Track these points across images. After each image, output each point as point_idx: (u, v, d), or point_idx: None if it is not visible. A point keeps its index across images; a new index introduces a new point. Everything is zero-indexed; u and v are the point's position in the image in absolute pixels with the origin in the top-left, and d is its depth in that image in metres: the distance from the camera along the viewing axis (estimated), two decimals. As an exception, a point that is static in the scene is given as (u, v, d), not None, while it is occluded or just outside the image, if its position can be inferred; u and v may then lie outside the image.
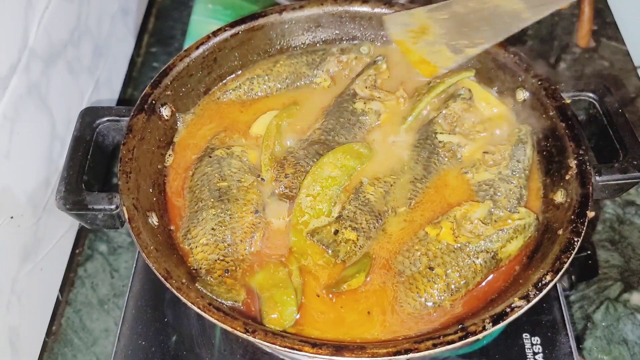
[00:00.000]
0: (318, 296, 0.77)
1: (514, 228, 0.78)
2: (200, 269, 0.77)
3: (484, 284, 0.78)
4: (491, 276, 0.78)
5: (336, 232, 0.79)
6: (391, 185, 0.85)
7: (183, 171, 0.89)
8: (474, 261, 0.77)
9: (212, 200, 0.82)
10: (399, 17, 0.91)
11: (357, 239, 0.79)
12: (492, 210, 0.81)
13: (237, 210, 0.81)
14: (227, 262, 0.78)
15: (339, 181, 0.85)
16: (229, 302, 0.73)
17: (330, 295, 0.77)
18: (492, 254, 0.77)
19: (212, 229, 0.80)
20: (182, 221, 0.84)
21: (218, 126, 0.94)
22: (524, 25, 0.83)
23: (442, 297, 0.75)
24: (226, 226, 0.80)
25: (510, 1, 0.84)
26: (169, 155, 0.90)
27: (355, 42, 1.04)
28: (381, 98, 0.95)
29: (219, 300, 0.73)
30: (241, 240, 0.80)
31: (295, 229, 0.81)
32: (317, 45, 1.04)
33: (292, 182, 0.85)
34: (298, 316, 0.74)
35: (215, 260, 0.78)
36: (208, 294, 0.72)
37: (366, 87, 0.96)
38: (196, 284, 0.73)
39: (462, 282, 0.76)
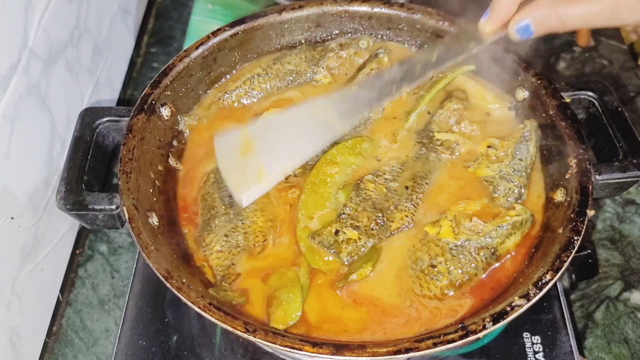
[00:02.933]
0: (335, 292, 0.77)
1: (511, 224, 0.78)
2: (217, 275, 0.78)
3: (484, 278, 0.78)
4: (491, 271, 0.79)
5: (337, 232, 0.79)
6: (392, 181, 0.85)
7: (186, 173, 0.89)
8: (475, 257, 0.77)
9: (223, 207, 0.83)
10: (225, 140, 0.84)
11: (359, 238, 0.79)
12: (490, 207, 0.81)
13: (248, 215, 0.82)
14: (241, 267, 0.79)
15: (340, 179, 0.85)
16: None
17: (339, 292, 0.77)
18: (492, 250, 0.78)
19: (225, 235, 0.80)
20: (196, 229, 0.84)
21: (219, 127, 0.94)
22: (335, 137, 0.83)
23: (446, 294, 0.75)
24: (239, 231, 0.81)
25: (322, 110, 0.83)
26: (170, 157, 0.90)
27: (354, 36, 1.03)
28: None
29: (233, 303, 0.73)
30: (253, 245, 0.80)
31: (301, 230, 0.81)
32: (317, 43, 1.03)
33: (301, 180, 0.86)
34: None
35: (229, 266, 0.78)
36: (221, 298, 0.72)
37: None
38: (210, 290, 0.73)
39: (464, 279, 0.76)
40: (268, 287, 0.77)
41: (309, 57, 0.99)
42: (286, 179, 0.86)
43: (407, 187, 0.84)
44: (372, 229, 0.80)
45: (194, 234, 0.83)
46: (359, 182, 0.84)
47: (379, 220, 0.81)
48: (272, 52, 1.02)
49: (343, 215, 0.81)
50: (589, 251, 0.97)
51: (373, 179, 0.85)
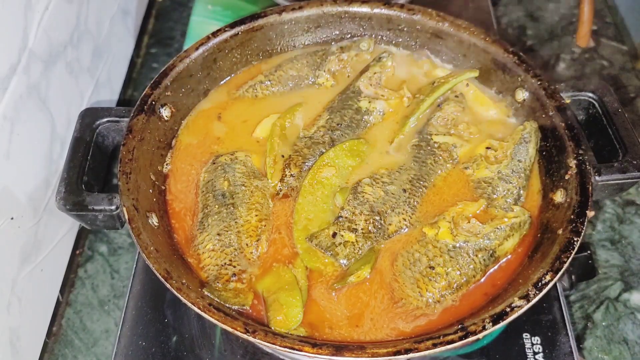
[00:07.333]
0: (332, 294, 0.77)
1: (510, 226, 0.78)
2: (209, 275, 0.78)
3: (482, 280, 0.78)
4: (490, 273, 0.79)
5: (334, 234, 0.79)
6: (390, 184, 0.85)
7: (182, 174, 0.89)
8: (473, 259, 0.77)
9: (217, 206, 0.82)
10: None
11: (357, 241, 0.79)
12: (488, 208, 0.81)
13: (241, 215, 0.82)
14: (234, 267, 0.78)
15: (337, 182, 0.85)
16: (236, 306, 0.73)
17: (334, 293, 0.76)
18: (491, 251, 0.78)
19: (218, 234, 0.80)
20: (189, 228, 0.83)
21: (220, 129, 0.94)
22: None
23: (444, 295, 0.75)
24: (232, 230, 0.80)
25: None
26: (168, 158, 0.90)
27: (355, 38, 1.04)
28: (385, 97, 0.95)
29: (227, 305, 0.73)
30: (247, 244, 0.80)
31: (298, 232, 0.81)
32: (317, 44, 1.04)
33: (298, 182, 0.86)
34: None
35: (222, 265, 0.78)
36: (216, 299, 0.72)
37: (371, 85, 0.96)
38: (203, 290, 0.73)
39: (463, 280, 0.76)
40: (263, 288, 0.76)
41: (310, 61, 0.99)
42: (283, 180, 0.86)
43: (404, 190, 0.84)
44: (370, 232, 0.80)
45: (187, 233, 0.83)
46: (356, 185, 0.84)
47: (376, 223, 0.81)
48: (272, 53, 1.02)
49: (340, 218, 0.81)
50: (588, 252, 0.97)
51: (371, 182, 0.84)
